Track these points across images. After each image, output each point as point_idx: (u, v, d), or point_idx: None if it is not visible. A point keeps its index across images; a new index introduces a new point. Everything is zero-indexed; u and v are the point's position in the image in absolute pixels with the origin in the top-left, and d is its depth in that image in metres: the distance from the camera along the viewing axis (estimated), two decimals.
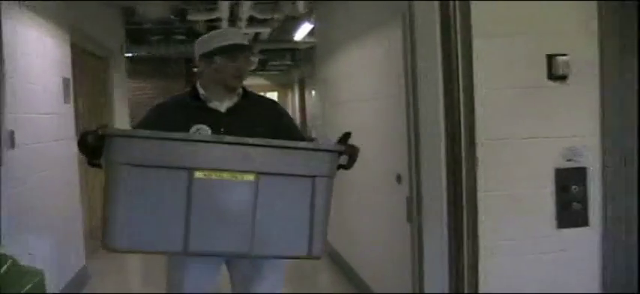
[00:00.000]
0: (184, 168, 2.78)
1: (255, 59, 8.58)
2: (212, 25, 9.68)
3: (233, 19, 9.65)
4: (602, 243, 3.62)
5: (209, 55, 3.34)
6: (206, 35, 3.48)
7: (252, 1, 8.85)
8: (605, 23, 3.56)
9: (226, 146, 2.86)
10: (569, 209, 3.59)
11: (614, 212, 3.62)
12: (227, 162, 2.82)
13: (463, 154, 3.56)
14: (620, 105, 3.60)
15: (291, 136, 3.26)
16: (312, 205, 2.91)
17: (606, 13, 3.56)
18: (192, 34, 11.07)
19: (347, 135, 3.11)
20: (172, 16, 9.97)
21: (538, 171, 3.57)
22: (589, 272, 3.62)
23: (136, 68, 13.29)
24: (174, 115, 3.31)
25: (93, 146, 2.84)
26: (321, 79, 7.62)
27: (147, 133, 2.85)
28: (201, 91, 3.39)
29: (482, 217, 3.54)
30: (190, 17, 9.31)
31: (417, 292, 4.11)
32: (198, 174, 2.78)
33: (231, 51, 3.33)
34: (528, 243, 3.58)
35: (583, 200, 3.60)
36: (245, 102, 3.42)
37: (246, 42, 3.54)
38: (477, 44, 3.50)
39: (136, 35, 11.31)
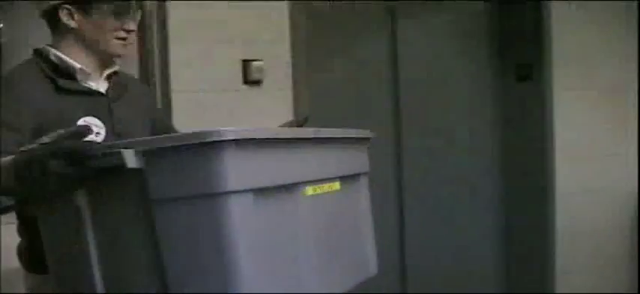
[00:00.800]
0: (295, 183, 1.80)
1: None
2: None
3: None
4: None
5: (82, 6, 2.14)
6: None
7: None
8: (296, 28, 3.70)
9: (327, 146, 1.95)
10: None
11: None
12: (324, 167, 1.95)
13: None
14: (311, 107, 3.75)
15: (168, 129, 2.42)
16: (365, 211, 2.21)
17: (297, 18, 3.70)
18: None
19: (305, 119, 2.40)
20: None
21: None
22: None
23: None
24: (47, 102, 2.07)
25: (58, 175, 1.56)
26: None
27: (270, 132, 1.73)
28: (70, 62, 2.14)
29: None
30: None
31: None
32: (309, 190, 1.85)
33: (118, 2, 2.17)
34: None
35: None
36: (120, 80, 2.29)
37: None
38: (173, 48, 3.46)
39: None
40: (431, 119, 4.48)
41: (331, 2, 4.07)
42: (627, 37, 4.47)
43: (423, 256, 4.48)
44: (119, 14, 2.16)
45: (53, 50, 2.15)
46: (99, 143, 1.64)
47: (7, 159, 1.71)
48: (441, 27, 4.53)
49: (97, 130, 2.09)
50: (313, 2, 3.80)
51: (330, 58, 4.11)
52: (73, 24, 2.14)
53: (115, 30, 2.16)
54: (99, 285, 1.66)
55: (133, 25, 2.20)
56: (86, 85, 2.16)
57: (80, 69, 2.14)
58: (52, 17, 2.16)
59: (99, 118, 2.11)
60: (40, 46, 2.18)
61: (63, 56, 2.14)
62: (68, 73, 2.14)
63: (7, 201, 1.84)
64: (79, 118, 2.07)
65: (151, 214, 1.58)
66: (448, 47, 4.54)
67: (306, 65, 3.75)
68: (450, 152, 4.54)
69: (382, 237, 2.20)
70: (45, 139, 1.62)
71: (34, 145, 1.63)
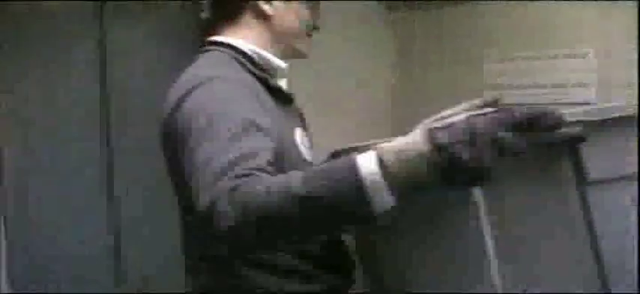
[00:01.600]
0: None
1: None
2: None
3: None
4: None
5: None
6: None
7: None
8: None
9: None
10: None
11: None
12: None
13: None
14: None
15: None
16: None
17: None
18: None
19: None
20: None
21: None
22: None
23: None
24: (272, 107, 1.69)
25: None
26: None
27: None
28: (274, 60, 1.79)
29: None
30: None
31: None
32: None
33: None
34: None
35: None
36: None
37: None
38: None
39: None
40: (140, 130, 4.13)
41: (30, 2, 3.79)
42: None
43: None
44: (315, 6, 1.83)
45: (242, 42, 1.75)
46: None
47: (407, 142, 1.25)
48: (155, 30, 4.29)
49: (309, 144, 1.79)
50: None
51: (26, 63, 3.82)
52: (270, 11, 1.76)
53: (309, 24, 1.82)
54: (499, 285, 1.39)
55: (320, 22, 1.86)
56: (278, 85, 1.78)
57: (272, 63, 1.78)
58: (233, 3, 1.77)
59: (296, 125, 1.79)
60: (219, 38, 1.78)
61: (262, 52, 1.75)
62: (268, 73, 1.76)
63: (388, 203, 1.26)
64: (293, 128, 1.75)
65: (585, 199, 1.39)
66: (162, 52, 4.30)
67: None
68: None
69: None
70: (457, 111, 1.27)
71: (456, 118, 1.21)
